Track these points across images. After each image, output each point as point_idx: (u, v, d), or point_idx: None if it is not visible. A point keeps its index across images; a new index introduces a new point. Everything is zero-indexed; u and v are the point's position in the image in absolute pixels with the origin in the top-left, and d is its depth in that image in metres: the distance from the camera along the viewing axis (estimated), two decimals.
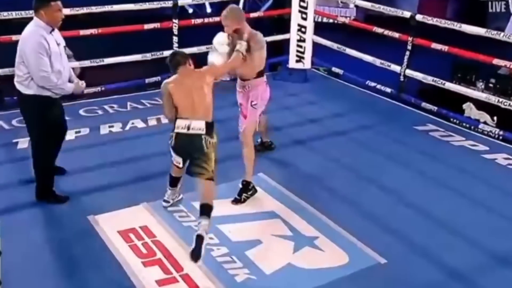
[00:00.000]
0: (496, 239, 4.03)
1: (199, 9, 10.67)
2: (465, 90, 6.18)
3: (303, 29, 7.29)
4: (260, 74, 4.44)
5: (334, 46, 7.27)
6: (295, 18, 7.28)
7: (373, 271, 3.68)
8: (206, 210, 3.73)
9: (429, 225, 4.20)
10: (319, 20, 7.47)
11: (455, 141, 5.70)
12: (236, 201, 4.37)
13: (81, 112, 6.10)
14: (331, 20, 8.86)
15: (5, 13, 5.80)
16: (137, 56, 6.59)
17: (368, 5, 6.99)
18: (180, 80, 3.85)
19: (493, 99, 5.79)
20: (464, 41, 6.00)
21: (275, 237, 3.99)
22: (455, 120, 6.19)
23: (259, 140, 5.18)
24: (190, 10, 9.95)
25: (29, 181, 4.40)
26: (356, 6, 9.26)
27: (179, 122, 3.81)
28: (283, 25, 7.62)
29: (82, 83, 4.34)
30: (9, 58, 4.32)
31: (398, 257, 3.82)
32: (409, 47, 6.36)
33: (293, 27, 7.33)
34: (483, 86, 6.52)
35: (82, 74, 4.43)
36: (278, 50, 7.67)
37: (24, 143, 5.15)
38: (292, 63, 7.47)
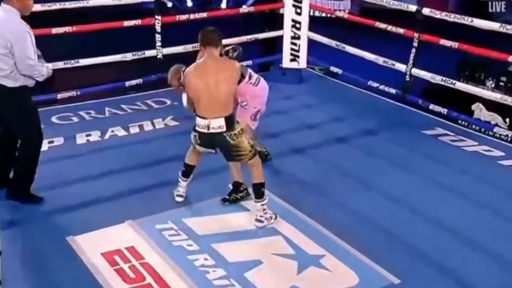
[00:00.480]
0: None
1: (178, 3, 10.63)
2: (474, 90, 6.19)
3: (297, 25, 7.26)
4: None
5: (332, 43, 7.25)
6: (289, 13, 7.25)
7: None
8: (258, 189, 4.15)
9: (447, 240, 4.17)
10: (312, 14, 7.43)
11: (467, 146, 5.70)
12: (224, 200, 4.46)
13: (54, 119, 6.01)
14: (324, 14, 8.86)
15: None
16: (116, 56, 6.52)
17: None
18: (204, 68, 3.99)
19: (509, 100, 5.77)
20: (470, 37, 6.01)
21: (277, 256, 3.94)
22: (463, 123, 6.19)
23: None
24: (169, 4, 9.92)
25: None
26: None
27: (199, 121, 4.02)
28: (275, 20, 7.60)
29: (50, 66, 4.47)
30: None
31: (413, 276, 3.78)
32: (415, 44, 6.35)
33: (287, 22, 7.30)
34: (493, 85, 6.55)
35: (52, 77, 4.48)
36: (270, 48, 7.69)
37: None
38: (286, 63, 7.44)
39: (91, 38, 6.81)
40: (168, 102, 6.41)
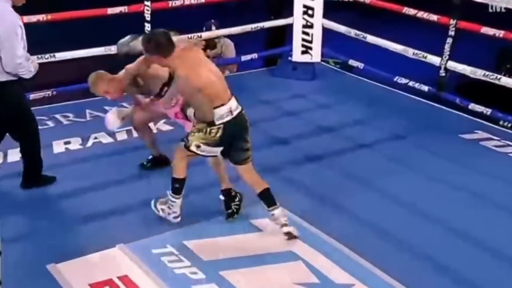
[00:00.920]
0: None
1: None
2: None
3: (310, 11, 7.28)
4: None
5: (352, 32, 7.25)
6: None
7: None
8: (267, 197, 4.31)
9: (500, 269, 4.09)
10: None
11: None
12: (229, 215, 4.55)
13: None
14: None
15: None
16: (99, 49, 6.52)
17: None
18: (191, 63, 4.11)
19: None
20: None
21: (298, 286, 3.90)
22: (506, 124, 6.13)
23: (150, 157, 5.23)
24: None
25: None
26: None
27: (220, 110, 4.12)
28: (283, 6, 7.61)
29: (36, 60, 4.84)
30: None
31: None
32: (451, 33, 6.31)
33: (297, 8, 7.30)
34: None
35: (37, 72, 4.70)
36: (278, 39, 7.71)
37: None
38: (297, 56, 7.46)
39: (69, 28, 6.76)
40: None
